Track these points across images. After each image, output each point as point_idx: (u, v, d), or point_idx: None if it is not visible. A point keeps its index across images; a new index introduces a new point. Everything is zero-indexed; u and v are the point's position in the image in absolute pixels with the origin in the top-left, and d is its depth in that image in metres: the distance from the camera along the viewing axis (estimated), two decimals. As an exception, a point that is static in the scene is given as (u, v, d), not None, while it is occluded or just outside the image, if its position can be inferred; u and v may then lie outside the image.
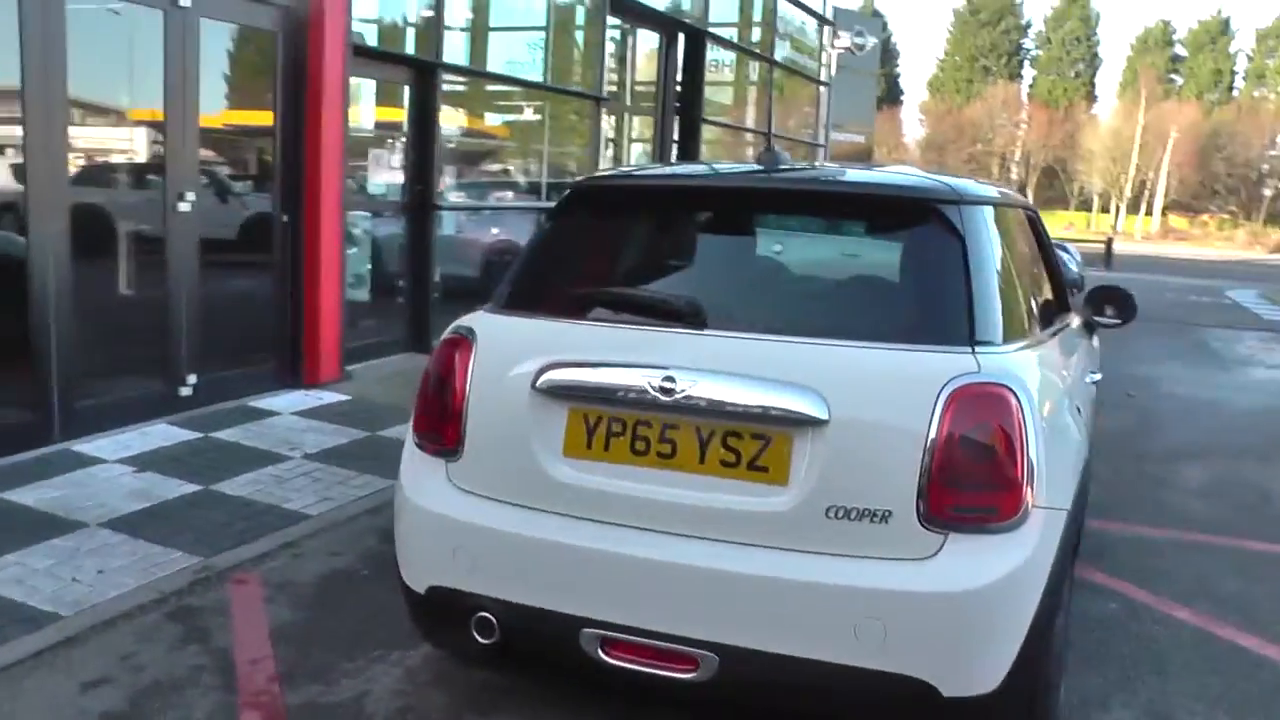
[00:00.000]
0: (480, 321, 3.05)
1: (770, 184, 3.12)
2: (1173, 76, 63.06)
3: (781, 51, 16.67)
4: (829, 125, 19.74)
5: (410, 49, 8.45)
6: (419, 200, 8.36)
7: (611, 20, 11.19)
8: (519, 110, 10.63)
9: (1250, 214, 55.93)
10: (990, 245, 2.91)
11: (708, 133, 14.23)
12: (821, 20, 18.26)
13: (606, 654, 2.70)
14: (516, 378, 2.86)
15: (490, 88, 10.04)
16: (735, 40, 15.02)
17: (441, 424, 2.98)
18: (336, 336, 7.22)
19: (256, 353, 6.89)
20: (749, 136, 16.54)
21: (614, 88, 11.93)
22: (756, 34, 15.87)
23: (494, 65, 9.71)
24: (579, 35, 11.08)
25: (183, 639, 3.58)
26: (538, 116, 10.71)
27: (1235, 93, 62.72)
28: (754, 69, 16.15)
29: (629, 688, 2.85)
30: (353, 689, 3.31)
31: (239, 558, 4.26)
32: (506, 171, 10.71)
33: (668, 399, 2.64)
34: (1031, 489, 2.53)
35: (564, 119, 11.11)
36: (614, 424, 2.75)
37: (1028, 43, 67.07)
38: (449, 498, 2.94)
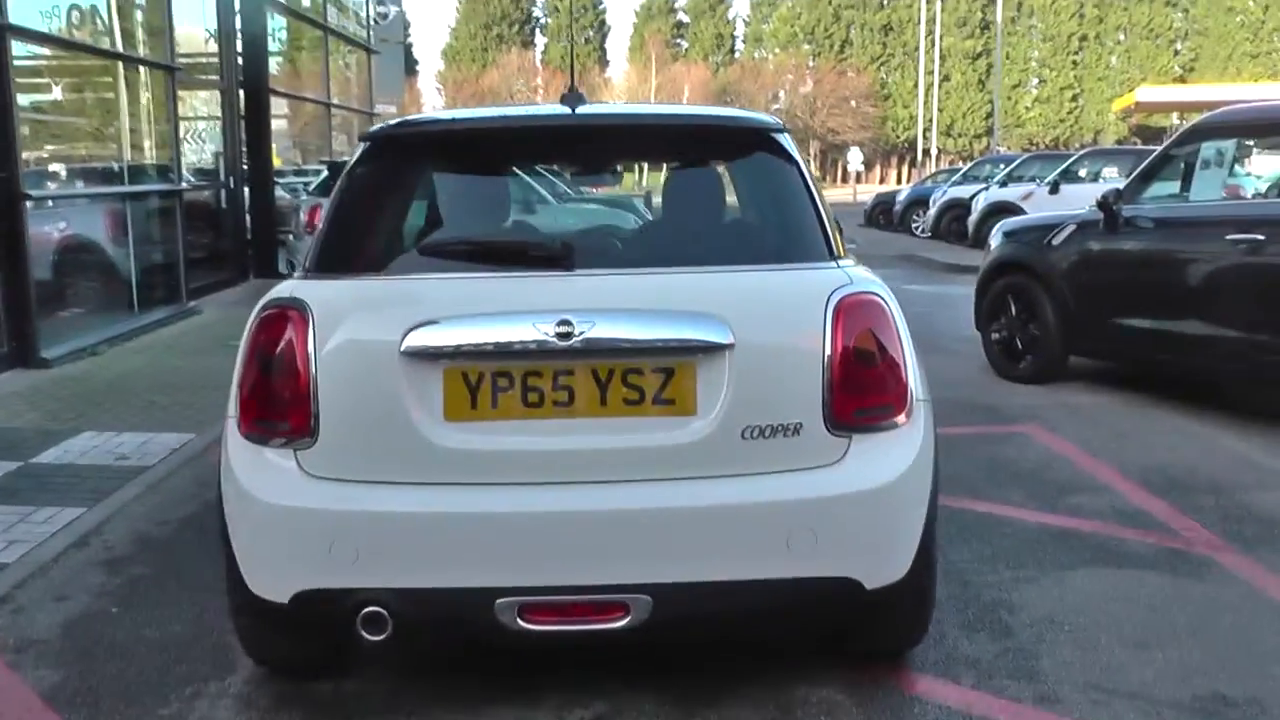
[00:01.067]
0: (306, 290, 2.72)
1: (607, 119, 3.08)
2: (679, 41, 68.82)
3: (332, 17, 16.07)
4: (374, 92, 19.38)
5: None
6: (3, 189, 7.12)
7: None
8: (91, 86, 9.36)
9: (760, 161, 63.02)
10: (810, 170, 3.10)
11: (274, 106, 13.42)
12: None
13: (526, 620, 2.56)
14: (375, 345, 2.60)
15: (58, 59, 8.73)
16: (290, 4, 14.23)
17: (284, 411, 2.63)
18: (-63, 359, 6.02)
19: None
20: (309, 107, 15.83)
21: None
22: (308, -1, 15.17)
23: (60, 31, 8.45)
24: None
25: (-66, 733, 2.89)
26: (109, 94, 9.49)
27: (737, 55, 69.90)
28: (308, 36, 15.43)
29: (550, 648, 2.74)
30: (190, 735, 2.87)
31: (-57, 627, 3.48)
32: (84, 155, 9.42)
33: (564, 344, 2.53)
34: (913, 385, 2.76)
35: (137, 93, 9.94)
36: (499, 379, 2.58)
37: (537, 11, 69.75)
38: (311, 489, 2.61)
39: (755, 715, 2.90)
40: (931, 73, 52.19)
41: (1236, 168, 6.26)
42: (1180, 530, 4.32)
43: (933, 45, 51.70)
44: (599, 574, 2.57)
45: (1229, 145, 6.19)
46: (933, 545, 2.89)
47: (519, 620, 2.56)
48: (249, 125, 12.32)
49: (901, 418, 2.72)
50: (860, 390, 2.67)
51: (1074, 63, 66.66)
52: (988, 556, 4.03)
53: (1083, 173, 17.97)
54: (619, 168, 3.14)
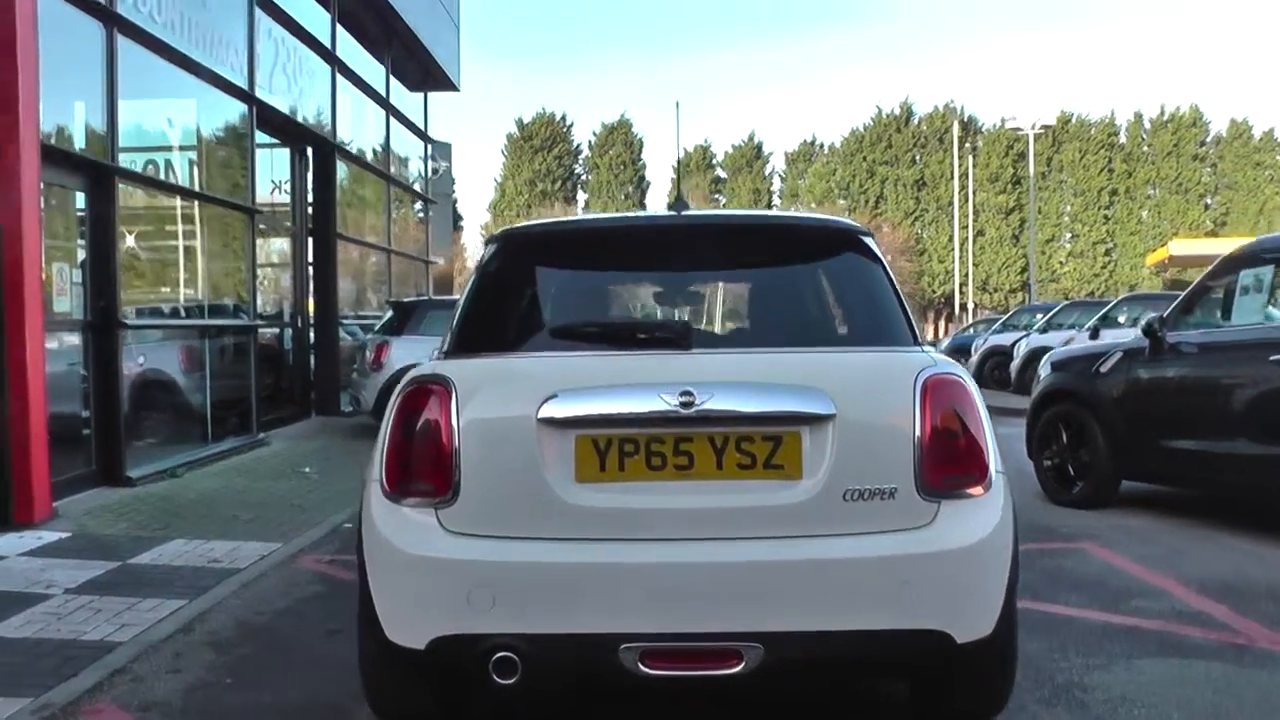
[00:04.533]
0: (447, 367, 3.07)
1: (715, 221, 3.51)
2: (716, 195, 71.08)
3: (393, 169, 16.99)
4: (431, 242, 20.28)
5: (83, 150, 7.80)
6: (102, 318, 7.65)
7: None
8: (179, 223, 10.03)
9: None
10: (890, 270, 3.47)
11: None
12: (424, 138, 18.77)
13: (647, 665, 2.78)
14: (513, 414, 2.93)
15: (150, 201, 9.42)
16: (359, 155, 15.11)
17: (428, 473, 2.94)
18: (47, 471, 6.40)
19: (-46, 494, 5.93)
20: (370, 253, 16.59)
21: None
22: (372, 151, 16.08)
23: (154, 174, 9.16)
24: (227, 149, 10.73)
25: (79, 778, 3.11)
26: (193, 234, 10.16)
27: (775, 208, 72.05)
28: (371, 187, 16.30)
29: (668, 691, 2.95)
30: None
31: (72, 692, 3.72)
32: (171, 290, 10.03)
33: (686, 413, 2.85)
34: (992, 456, 3.04)
35: (217, 235, 10.62)
36: (626, 445, 2.89)
37: (578, 168, 72.43)
38: (451, 543, 2.89)
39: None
40: (966, 228, 53.29)
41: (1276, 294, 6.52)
42: (1241, 629, 4.44)
43: (966, 200, 52.98)
44: (715, 623, 2.81)
45: (1266, 271, 6.48)
46: (1014, 607, 3.09)
47: (640, 665, 2.79)
48: (316, 269, 13.01)
49: (982, 486, 2.99)
50: (947, 459, 2.95)
51: (1105, 217, 67.73)
52: (1058, 647, 4.18)
53: (1122, 318, 18.23)
54: (721, 263, 3.53)
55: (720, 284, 3.59)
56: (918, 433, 2.91)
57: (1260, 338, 6.30)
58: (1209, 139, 67.58)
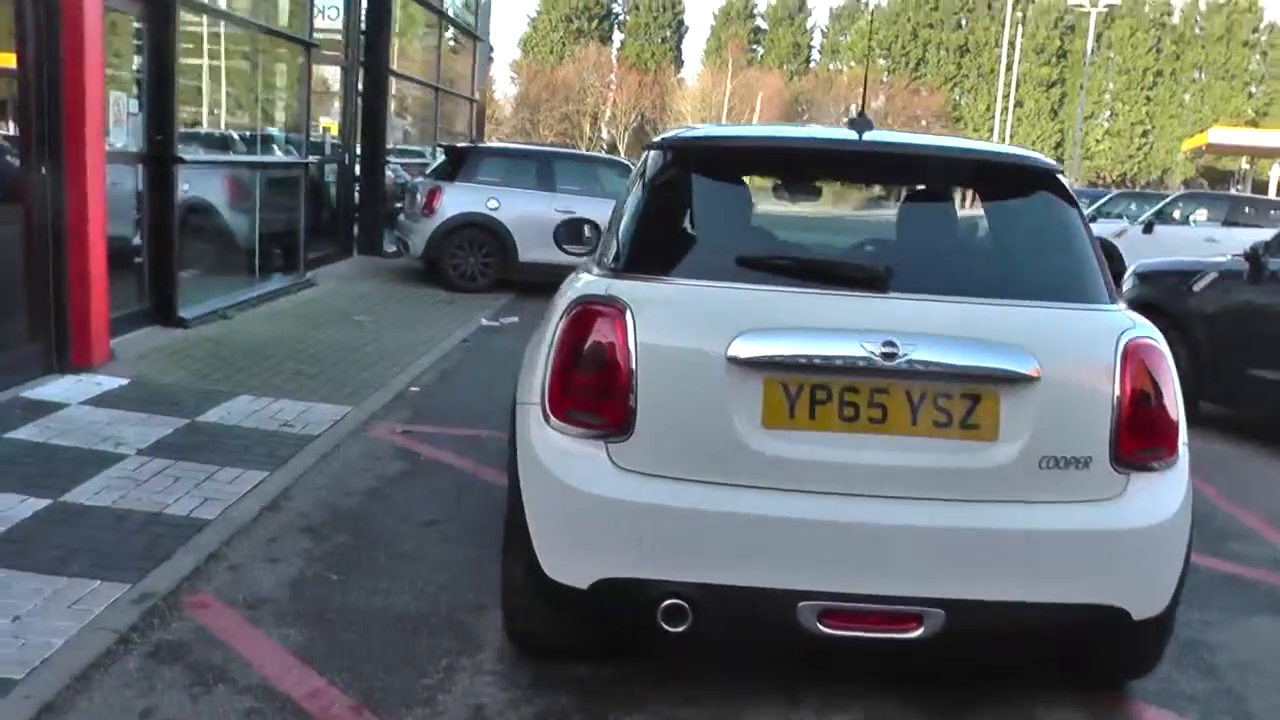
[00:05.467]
0: (624, 289, 2.76)
1: (907, 149, 3.15)
2: (754, 47, 68.77)
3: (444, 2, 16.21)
4: (475, 80, 19.55)
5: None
6: (158, 152, 7.26)
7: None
8: (232, 57, 9.52)
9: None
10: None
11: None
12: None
13: (825, 624, 2.63)
14: (700, 349, 2.67)
15: (209, 28, 8.89)
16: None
17: (601, 405, 2.70)
18: (106, 312, 6.15)
19: (14, 333, 5.69)
20: (419, 90, 15.97)
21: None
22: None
23: (212, 4, 8.62)
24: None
25: (198, 683, 2.95)
26: (247, 63, 9.64)
27: (812, 65, 69.92)
28: (423, 21, 15.57)
29: (841, 652, 2.79)
30: (455, 708, 2.92)
31: (172, 578, 3.54)
32: (225, 122, 9.59)
33: (888, 364, 2.61)
34: (1182, 429, 2.81)
35: (271, 67, 10.10)
36: (818, 391, 2.65)
37: (617, 7, 69.88)
38: (623, 482, 2.67)
39: (1006, 736, 2.93)
40: (1007, 97, 51.73)
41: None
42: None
43: (1009, 69, 51.25)
44: (899, 586, 2.64)
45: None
46: (1184, 584, 2.90)
47: (819, 624, 2.63)
48: (366, 104, 12.46)
49: (1173, 459, 2.80)
50: (1142, 430, 2.75)
51: (1147, 98, 65.75)
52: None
53: (1176, 214, 17.73)
54: (910, 195, 3.18)
55: (909, 219, 3.22)
56: (1116, 400, 2.71)
57: None
58: (1262, 25, 65.02)
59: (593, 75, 62.13)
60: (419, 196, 11.15)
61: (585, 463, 2.70)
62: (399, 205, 12.68)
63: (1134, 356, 2.75)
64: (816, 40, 70.72)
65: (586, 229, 4.91)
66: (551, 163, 11.81)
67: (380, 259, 12.74)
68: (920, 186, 3.15)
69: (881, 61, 68.13)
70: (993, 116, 65.43)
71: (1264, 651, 3.62)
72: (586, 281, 2.93)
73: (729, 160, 3.07)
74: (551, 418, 2.76)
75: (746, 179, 3.03)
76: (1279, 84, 64.43)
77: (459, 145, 12.45)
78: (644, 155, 3.17)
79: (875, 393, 2.66)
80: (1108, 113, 67.61)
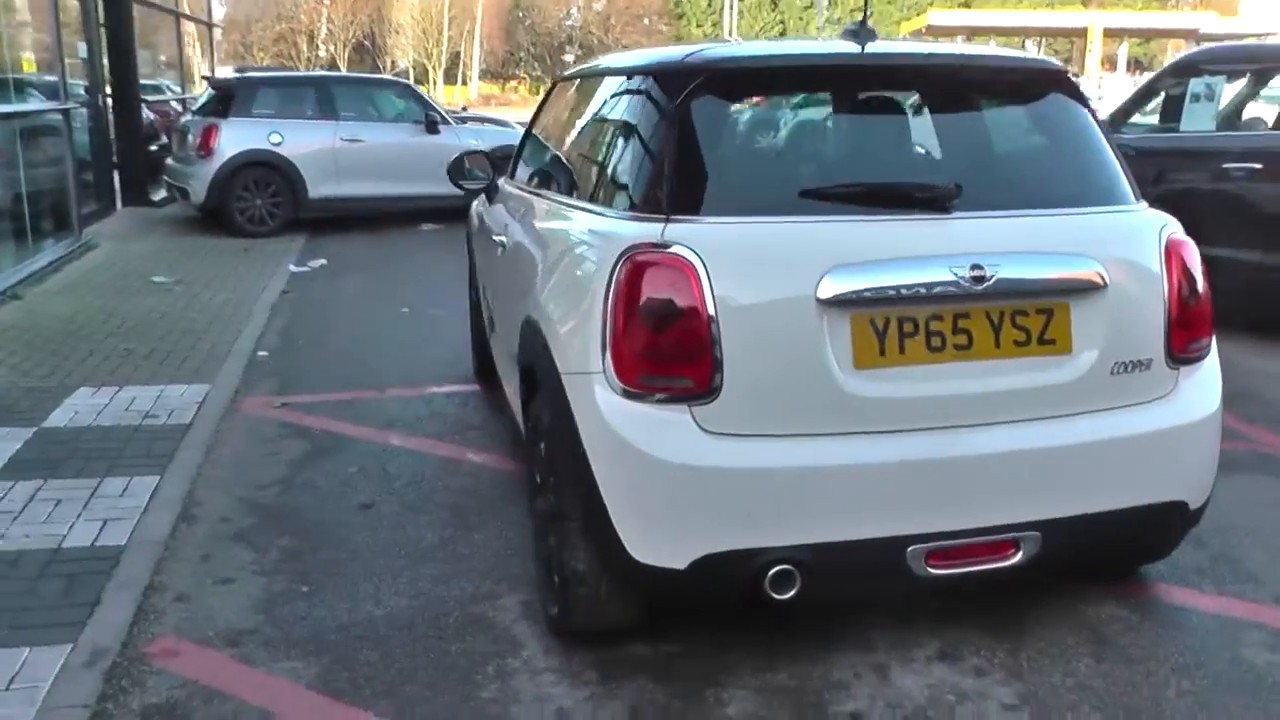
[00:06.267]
0: (687, 234, 2.46)
1: (932, 59, 2.94)
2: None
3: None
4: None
5: None
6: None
7: None
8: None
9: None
10: None
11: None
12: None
13: (932, 565, 2.53)
14: (787, 293, 2.44)
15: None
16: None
17: (682, 365, 2.42)
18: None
19: None
20: (157, 17, 14.32)
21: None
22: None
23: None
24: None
25: None
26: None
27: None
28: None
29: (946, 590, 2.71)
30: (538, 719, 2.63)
31: (116, 626, 2.98)
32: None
33: (979, 288, 2.48)
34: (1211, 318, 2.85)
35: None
36: (905, 324, 2.49)
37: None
38: (719, 447, 2.43)
39: (1072, 638, 2.94)
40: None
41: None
42: (1255, 436, 4.64)
43: (726, -37, 51.93)
44: (997, 514, 2.56)
45: (1218, 81, 6.51)
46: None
47: (927, 566, 2.52)
48: (110, 37, 10.99)
49: (1209, 349, 2.86)
50: (1189, 325, 2.77)
51: (861, -15, 68.85)
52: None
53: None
54: (945, 105, 3.01)
55: (948, 129, 3.03)
56: (1166, 299, 2.72)
57: (1214, 146, 6.37)
58: (970, -86, 68.99)
59: (304, -9, 58.32)
60: (191, 137, 10.05)
61: (672, 431, 2.44)
62: (155, 149, 11.42)
63: (1175, 253, 2.76)
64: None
65: (479, 162, 4.52)
66: (330, 89, 10.90)
67: (150, 209, 11.45)
68: (953, 96, 2.99)
69: (601, -39, 67.72)
70: (715, 11, 66.60)
71: (1244, 512, 3.77)
72: (617, 226, 2.60)
73: (770, 82, 2.79)
74: (623, 386, 2.46)
75: (785, 101, 2.76)
76: (988, -33, 68.81)
77: (230, 78, 11.28)
78: (656, 79, 2.81)
79: (958, 318, 2.53)
80: (826, 1, 70.15)
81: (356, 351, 6.13)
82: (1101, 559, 3.10)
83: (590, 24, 63.37)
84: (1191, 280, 2.77)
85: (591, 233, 2.76)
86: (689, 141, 2.60)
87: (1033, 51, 40.02)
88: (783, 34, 66.51)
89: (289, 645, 2.94)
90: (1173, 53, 46.37)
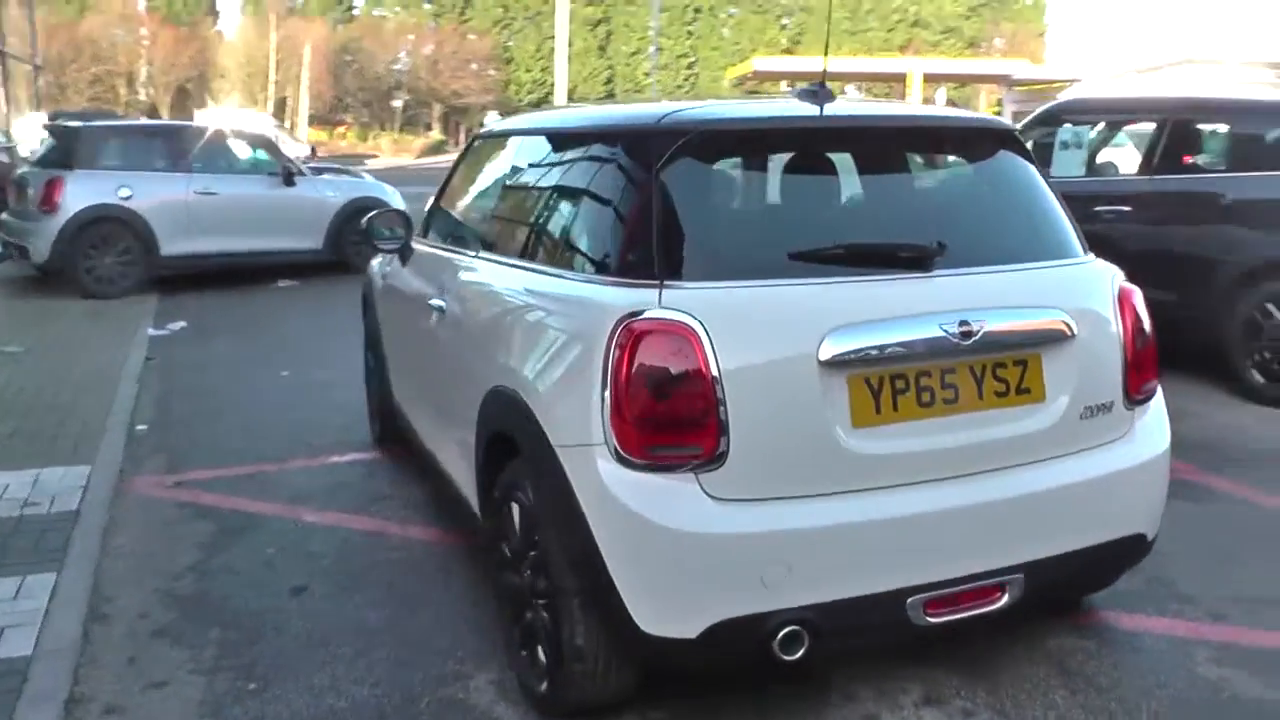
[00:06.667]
0: (685, 301, 2.42)
1: (900, 120, 3.02)
2: (294, -3, 64.86)
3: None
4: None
5: None
6: None
7: None
8: None
9: (384, 124, 61.29)
10: None
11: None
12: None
13: (929, 614, 2.56)
14: (790, 356, 2.44)
15: None
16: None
17: (690, 434, 2.39)
18: None
19: None
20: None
21: None
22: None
23: None
24: None
25: None
26: None
27: (356, 12, 67.37)
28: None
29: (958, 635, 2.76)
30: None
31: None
32: None
33: (966, 342, 2.55)
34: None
35: None
36: (897, 381, 2.53)
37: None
38: (728, 513, 2.40)
39: (1042, 671, 3.03)
40: (553, 37, 53.01)
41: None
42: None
43: (555, 11, 52.47)
44: (985, 560, 2.62)
45: (1083, 129, 6.89)
46: None
47: (925, 615, 2.55)
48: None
49: (1156, 389, 3.01)
50: (1141, 367, 2.92)
51: (689, 32, 70.66)
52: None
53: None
54: (908, 166, 3.08)
55: (920, 189, 3.09)
56: (1121, 344, 2.86)
57: (1085, 190, 6.61)
58: (789, -38, 72.10)
59: (121, 30, 55.73)
60: (32, 190, 9.39)
61: (680, 500, 2.39)
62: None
63: (1127, 300, 2.90)
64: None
65: (391, 221, 4.38)
66: (182, 139, 10.40)
67: (-28, 273, 10.66)
68: (918, 156, 3.07)
69: (427, 6, 67.36)
70: (543, 56, 67.12)
71: (1166, 536, 3.86)
72: (605, 294, 2.54)
73: (750, 144, 2.76)
74: (628, 457, 2.40)
75: (764, 163, 2.76)
76: (807, 15, 71.95)
77: (71, 125, 10.62)
78: (633, 140, 2.76)
79: (945, 373, 2.59)
80: (652, 48, 71.79)
81: (243, 421, 5.81)
82: (1070, 594, 3.20)
83: (419, 69, 62.75)
84: (1140, 325, 2.91)
85: (576, 300, 2.69)
86: (674, 205, 2.56)
87: (855, 96, 41.91)
88: (610, 80, 67.78)
89: (254, 755, 2.73)
90: (986, 97, 49.41)
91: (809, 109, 2.82)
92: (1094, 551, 2.81)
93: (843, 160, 2.91)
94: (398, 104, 60.59)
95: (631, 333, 2.39)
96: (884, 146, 3.00)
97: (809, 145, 2.86)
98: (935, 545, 2.56)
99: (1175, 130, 6.38)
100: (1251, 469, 4.77)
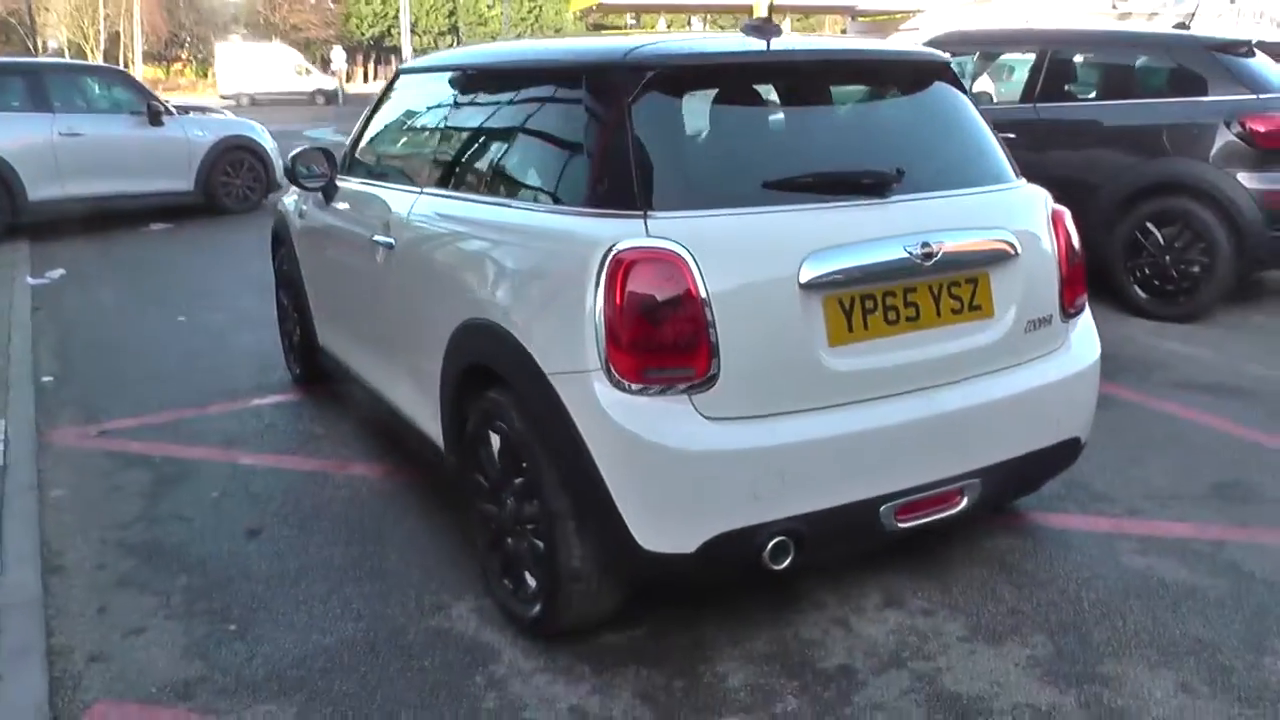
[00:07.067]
0: (669, 229, 2.51)
1: (851, 54, 3.16)
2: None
3: None
4: None
5: None
6: None
7: None
8: None
9: (218, 61, 58.69)
10: None
11: None
12: None
13: (899, 519, 2.76)
14: (772, 280, 2.57)
15: None
16: None
17: (684, 356, 2.50)
18: None
19: None
20: None
21: None
22: None
23: None
24: None
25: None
26: None
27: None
28: None
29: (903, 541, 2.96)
30: (536, 721, 2.62)
31: (35, 692, 2.72)
32: None
33: (928, 263, 2.72)
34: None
35: None
36: (866, 301, 2.70)
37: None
38: (723, 431, 2.53)
39: (986, 571, 3.29)
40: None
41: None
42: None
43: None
44: (947, 467, 2.83)
45: (965, 60, 7.16)
46: None
47: (896, 521, 2.75)
48: None
49: (1084, 304, 3.27)
50: (1074, 283, 3.17)
51: (530, -36, 69.24)
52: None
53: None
54: (856, 97, 3.21)
55: (866, 118, 3.20)
56: (1056, 262, 3.10)
57: None
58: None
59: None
60: None
61: (676, 420, 2.50)
62: None
63: (1060, 221, 3.14)
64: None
65: (313, 159, 4.31)
66: (43, 77, 9.78)
67: None
68: (865, 87, 3.20)
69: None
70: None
71: None
72: (590, 225, 2.61)
73: (706, 79, 2.82)
74: (625, 381, 2.50)
75: (726, 95, 2.84)
76: (653, -55, 71.16)
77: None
78: (601, 75, 2.79)
79: (907, 292, 2.76)
80: (504, -20, 70.06)
81: (151, 368, 5.65)
82: (1011, 498, 3.46)
83: (256, 2, 59.84)
84: (1071, 244, 3.15)
85: (556, 233, 2.74)
86: (649, 138, 2.63)
87: (699, 28, 41.67)
88: (452, 15, 66.03)
89: (250, 689, 2.76)
90: (831, 29, 50.07)
91: (757, 44, 2.92)
92: (1039, 455, 3.05)
93: (798, 92, 3.03)
94: (235, 39, 57.81)
95: (621, 261, 2.48)
96: (837, 79, 3.13)
97: (766, 79, 2.96)
98: (904, 455, 2.74)
99: (1054, 61, 6.72)
100: (1143, 377, 5.16)
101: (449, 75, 3.77)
